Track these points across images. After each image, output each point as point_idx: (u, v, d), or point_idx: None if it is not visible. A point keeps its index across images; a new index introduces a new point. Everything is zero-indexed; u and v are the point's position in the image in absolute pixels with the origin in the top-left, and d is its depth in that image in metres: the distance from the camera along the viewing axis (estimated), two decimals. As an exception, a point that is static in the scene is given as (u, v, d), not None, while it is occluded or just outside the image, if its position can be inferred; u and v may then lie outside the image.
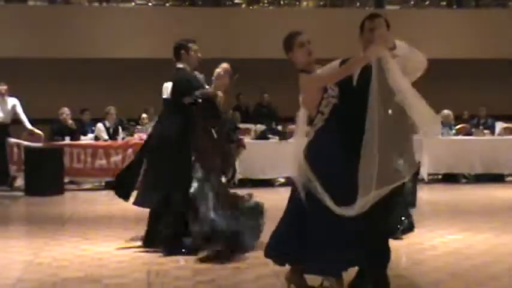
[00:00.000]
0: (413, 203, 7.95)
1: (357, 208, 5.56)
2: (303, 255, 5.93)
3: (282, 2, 21.19)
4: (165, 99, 9.08)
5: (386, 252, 5.90)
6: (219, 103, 8.11)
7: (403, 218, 6.89)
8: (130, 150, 15.10)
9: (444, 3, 21.77)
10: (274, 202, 12.12)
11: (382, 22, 5.91)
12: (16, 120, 15.70)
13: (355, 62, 5.80)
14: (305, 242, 5.92)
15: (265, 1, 21.20)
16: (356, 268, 6.03)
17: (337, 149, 5.80)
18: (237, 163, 14.55)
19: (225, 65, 8.15)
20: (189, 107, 8.23)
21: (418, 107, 5.62)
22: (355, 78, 5.86)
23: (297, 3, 21.25)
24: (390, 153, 5.60)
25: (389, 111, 5.62)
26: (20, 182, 15.00)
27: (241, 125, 16.50)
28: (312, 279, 6.13)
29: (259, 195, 12.23)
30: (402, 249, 7.68)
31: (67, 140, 15.46)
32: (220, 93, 8.09)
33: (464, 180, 16.13)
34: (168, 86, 9.07)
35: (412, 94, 5.60)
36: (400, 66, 5.65)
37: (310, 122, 6.11)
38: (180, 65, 8.61)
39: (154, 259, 7.75)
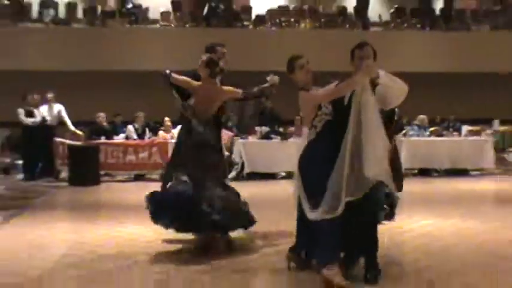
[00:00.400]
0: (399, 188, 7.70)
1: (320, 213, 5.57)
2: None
3: (283, 24, 21.16)
4: None
5: (372, 241, 5.90)
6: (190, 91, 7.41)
7: (385, 207, 6.83)
8: (155, 148, 15.16)
9: (419, 25, 21.72)
10: (276, 192, 12.16)
11: (370, 51, 5.79)
12: (61, 123, 15.77)
13: (345, 86, 5.67)
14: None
15: (269, 23, 21.16)
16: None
17: (324, 160, 5.63)
18: (244, 159, 14.80)
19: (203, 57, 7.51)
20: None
21: (371, 148, 5.52)
22: (347, 98, 5.70)
23: (296, 24, 21.21)
24: (361, 166, 5.53)
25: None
26: (64, 174, 15.02)
27: (250, 127, 16.50)
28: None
29: (264, 187, 12.24)
30: (385, 233, 7.65)
31: (102, 139, 15.49)
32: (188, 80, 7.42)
33: (435, 174, 16.09)
34: None
35: (374, 132, 5.53)
36: (382, 93, 5.60)
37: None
38: None
39: (178, 239, 7.73)
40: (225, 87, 7.50)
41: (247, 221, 7.38)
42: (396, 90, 5.66)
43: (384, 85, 5.59)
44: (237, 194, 7.52)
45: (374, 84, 5.60)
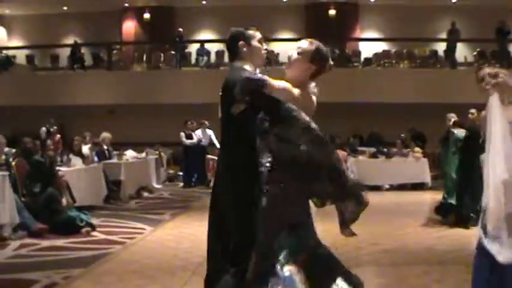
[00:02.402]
0: None
1: None
2: None
3: (386, 65, 20.80)
4: None
5: None
6: None
7: None
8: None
9: (498, 65, 20.66)
10: (382, 202, 11.93)
11: None
12: (211, 143, 16.15)
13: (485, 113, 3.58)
14: None
15: (375, 64, 20.96)
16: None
17: None
18: (355, 173, 14.51)
19: None
20: None
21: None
22: None
23: (397, 65, 20.89)
24: None
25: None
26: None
27: (360, 148, 16.26)
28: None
29: (370, 198, 11.92)
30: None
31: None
32: None
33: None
34: None
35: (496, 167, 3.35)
36: None
37: None
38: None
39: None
40: None
41: None
42: None
43: None
44: None
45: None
